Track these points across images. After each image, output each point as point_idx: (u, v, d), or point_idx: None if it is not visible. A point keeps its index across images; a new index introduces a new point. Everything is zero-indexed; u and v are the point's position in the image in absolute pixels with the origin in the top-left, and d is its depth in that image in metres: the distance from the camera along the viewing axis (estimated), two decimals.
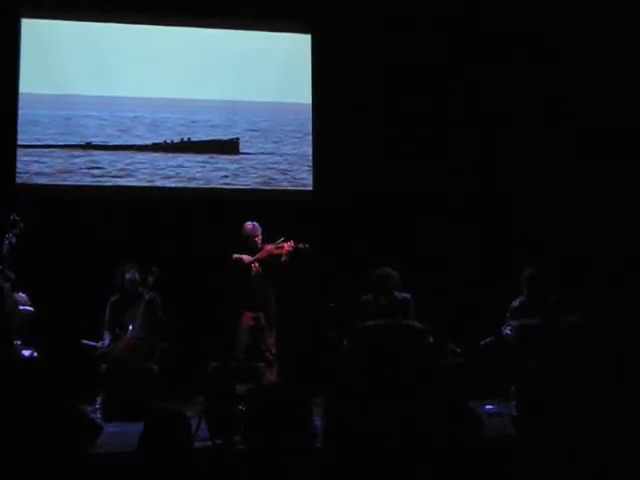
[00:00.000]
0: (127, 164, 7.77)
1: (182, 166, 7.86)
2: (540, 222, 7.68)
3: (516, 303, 6.29)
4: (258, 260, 6.52)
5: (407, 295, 6.26)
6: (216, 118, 8.06)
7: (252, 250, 6.58)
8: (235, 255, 6.54)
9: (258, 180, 7.96)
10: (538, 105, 7.94)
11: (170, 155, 7.87)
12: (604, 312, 6.69)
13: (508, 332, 6.13)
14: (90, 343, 6.32)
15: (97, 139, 7.76)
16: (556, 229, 7.61)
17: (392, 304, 6.14)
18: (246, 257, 6.52)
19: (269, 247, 6.55)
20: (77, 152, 7.68)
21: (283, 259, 6.48)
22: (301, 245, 6.52)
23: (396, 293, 6.25)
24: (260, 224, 6.64)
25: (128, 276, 6.41)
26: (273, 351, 6.50)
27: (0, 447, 3.60)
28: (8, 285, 5.97)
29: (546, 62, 7.85)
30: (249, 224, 6.62)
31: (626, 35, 7.51)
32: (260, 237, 6.58)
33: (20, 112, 7.53)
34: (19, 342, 5.87)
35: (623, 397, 4.68)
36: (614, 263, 7.31)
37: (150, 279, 6.48)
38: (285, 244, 6.51)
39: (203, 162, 7.92)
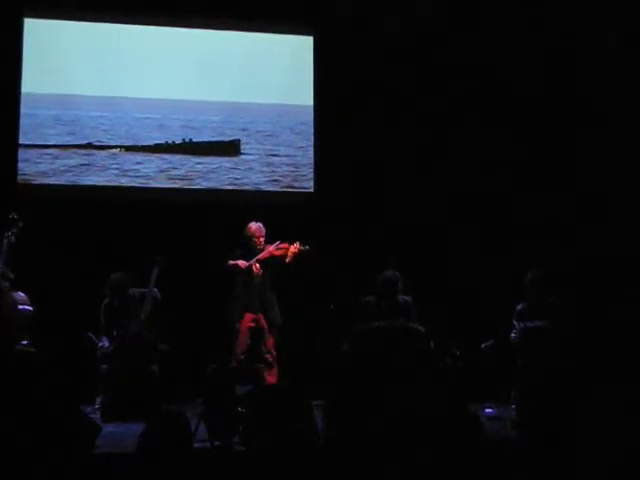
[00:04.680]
0: (128, 165, 7.76)
1: (183, 167, 7.85)
2: (542, 222, 7.68)
3: (520, 307, 6.29)
4: (259, 261, 6.52)
5: (408, 298, 6.26)
6: (218, 119, 8.06)
7: (254, 250, 6.57)
8: (231, 262, 6.52)
9: (259, 181, 7.95)
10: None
11: (171, 156, 7.86)
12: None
13: (513, 335, 6.14)
14: (94, 338, 6.31)
15: (98, 139, 7.75)
16: (556, 231, 7.61)
17: (394, 307, 6.13)
18: (241, 262, 6.49)
19: (270, 248, 6.55)
20: (78, 152, 7.67)
21: (288, 260, 6.48)
22: (302, 247, 6.51)
23: (398, 296, 6.25)
24: (263, 225, 6.63)
25: (121, 280, 6.38)
26: (274, 353, 6.49)
27: (0, 447, 3.60)
28: (7, 284, 5.96)
29: None
30: (253, 224, 6.61)
31: None
32: (263, 238, 6.58)
33: (22, 112, 7.51)
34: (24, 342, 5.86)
35: (622, 399, 4.67)
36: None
37: (155, 271, 6.41)
38: (291, 246, 6.49)
39: (204, 163, 7.92)
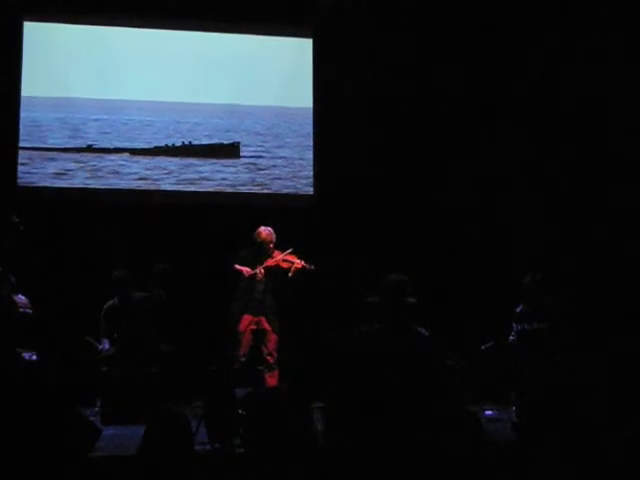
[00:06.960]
0: (128, 167, 7.77)
1: (183, 169, 7.87)
2: (539, 226, 7.69)
3: (519, 309, 6.29)
4: (265, 267, 6.51)
5: (413, 300, 6.23)
6: (217, 122, 8.07)
7: (263, 255, 6.56)
8: (237, 266, 6.53)
9: (259, 184, 7.97)
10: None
11: (171, 158, 7.87)
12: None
13: (512, 337, 6.14)
14: (93, 342, 6.32)
15: (98, 142, 7.77)
16: (555, 233, 7.62)
17: (399, 309, 6.11)
18: (246, 270, 6.50)
19: (279, 257, 6.53)
20: (78, 155, 7.69)
21: (290, 275, 6.47)
22: (307, 266, 6.50)
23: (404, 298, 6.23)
24: (272, 230, 6.63)
25: (124, 279, 6.40)
26: (275, 355, 6.49)
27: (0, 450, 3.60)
28: (9, 288, 5.96)
29: None
30: (263, 230, 6.60)
31: None
32: (273, 244, 6.58)
33: (22, 115, 7.53)
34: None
35: (621, 400, 4.67)
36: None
37: (157, 273, 6.41)
38: (296, 260, 6.48)
39: (204, 166, 7.93)
